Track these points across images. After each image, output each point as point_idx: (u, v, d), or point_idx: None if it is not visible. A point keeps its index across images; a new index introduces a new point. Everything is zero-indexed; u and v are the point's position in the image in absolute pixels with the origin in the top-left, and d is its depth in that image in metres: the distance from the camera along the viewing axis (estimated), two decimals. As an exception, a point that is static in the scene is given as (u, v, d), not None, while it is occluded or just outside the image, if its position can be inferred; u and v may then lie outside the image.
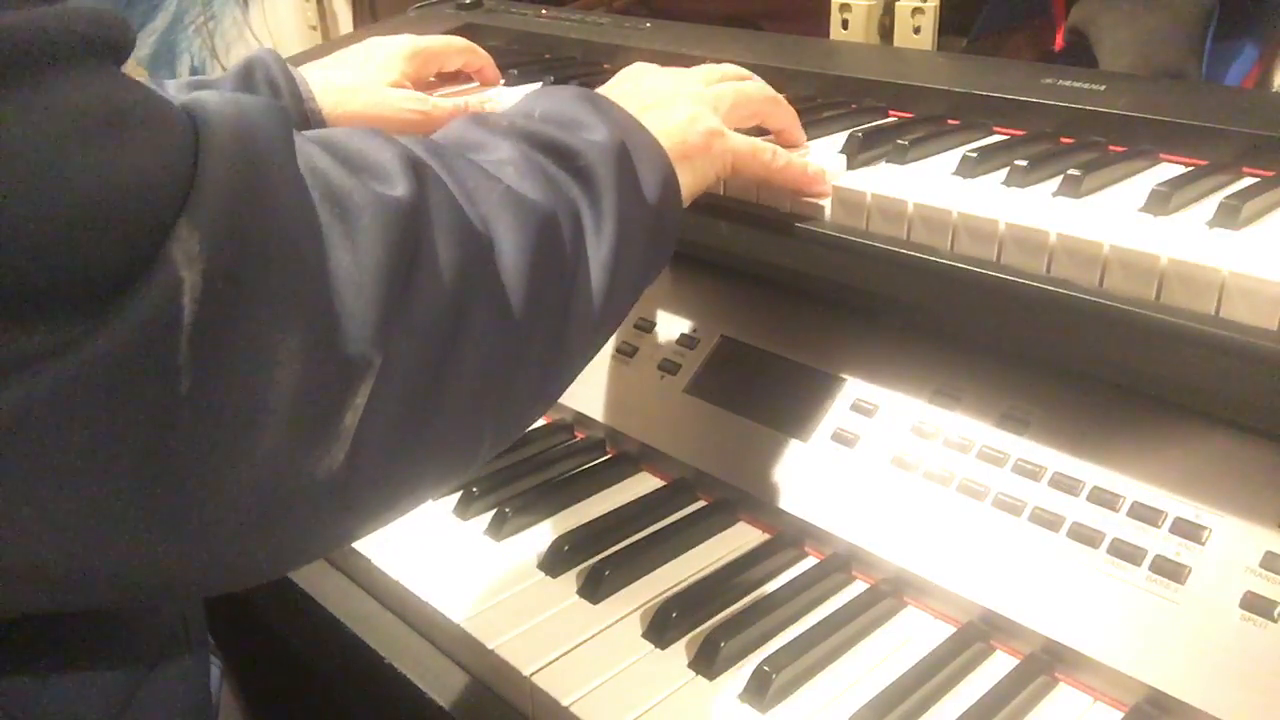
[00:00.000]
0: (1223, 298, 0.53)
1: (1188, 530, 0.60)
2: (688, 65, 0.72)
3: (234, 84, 0.80)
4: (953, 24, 1.04)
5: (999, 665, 0.63)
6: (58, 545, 0.35)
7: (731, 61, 0.77)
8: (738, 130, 0.68)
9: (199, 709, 0.58)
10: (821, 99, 0.89)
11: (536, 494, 0.79)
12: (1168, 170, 0.70)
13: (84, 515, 0.35)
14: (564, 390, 0.55)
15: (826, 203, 0.68)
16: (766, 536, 0.75)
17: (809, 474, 0.74)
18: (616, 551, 0.72)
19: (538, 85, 0.95)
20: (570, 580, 0.71)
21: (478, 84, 0.99)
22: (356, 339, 0.39)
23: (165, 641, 0.54)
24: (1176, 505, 0.61)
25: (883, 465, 0.71)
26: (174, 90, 0.78)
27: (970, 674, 0.63)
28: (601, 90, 0.63)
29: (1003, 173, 0.67)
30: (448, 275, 0.43)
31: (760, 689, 0.60)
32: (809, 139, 0.77)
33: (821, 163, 0.71)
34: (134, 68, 2.01)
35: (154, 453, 0.35)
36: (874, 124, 0.82)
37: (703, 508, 0.78)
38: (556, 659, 0.64)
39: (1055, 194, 0.65)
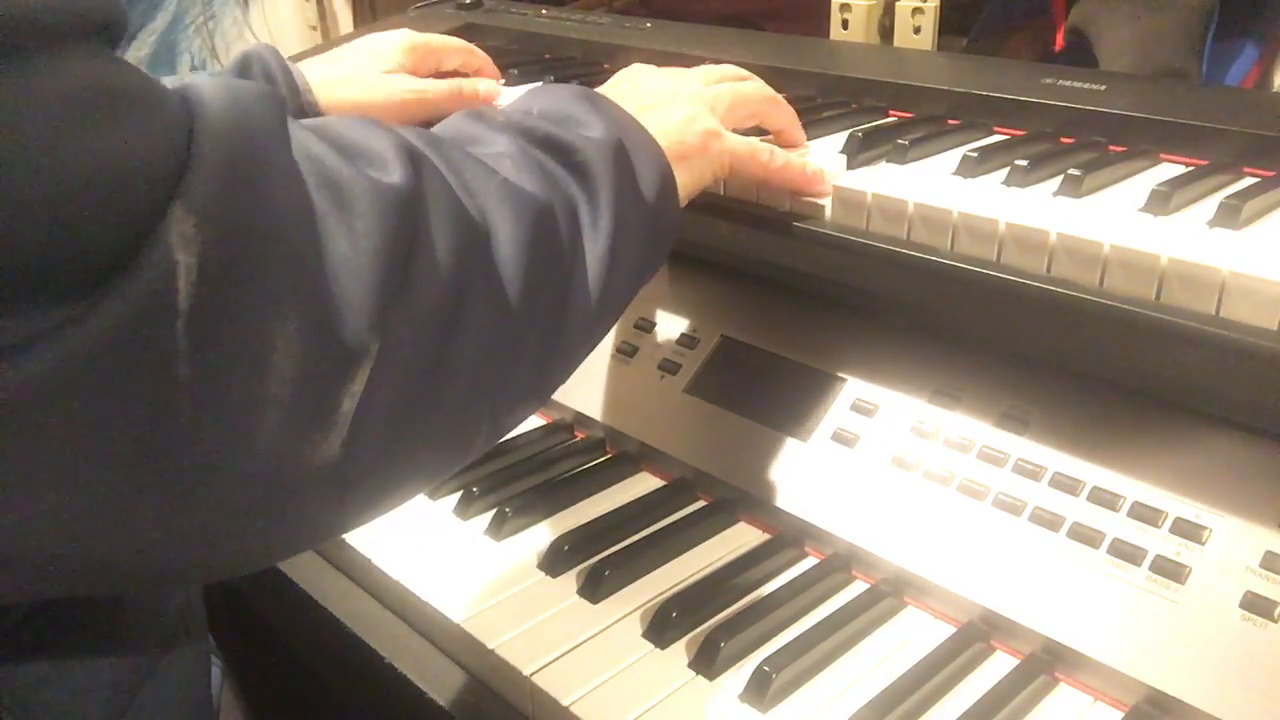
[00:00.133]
0: (1223, 298, 0.53)
1: (1188, 530, 0.60)
2: (688, 65, 0.72)
3: (231, 78, 0.80)
4: (953, 24, 1.04)
5: (999, 665, 0.63)
6: (55, 530, 0.35)
7: (731, 62, 0.78)
8: (737, 130, 0.68)
9: (200, 709, 0.58)
10: (821, 99, 0.89)
11: (536, 494, 0.79)
12: (1168, 170, 0.70)
13: (81, 500, 0.35)
14: (560, 384, 0.55)
15: (827, 202, 0.68)
16: (766, 536, 0.75)
17: (809, 474, 0.74)
18: (616, 551, 0.72)
19: (538, 85, 0.95)
20: (570, 580, 0.71)
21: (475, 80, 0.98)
22: (354, 325, 0.39)
23: (166, 641, 0.54)
24: (1176, 505, 0.61)
25: (883, 465, 0.71)
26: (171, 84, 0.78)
27: (970, 674, 0.63)
28: (601, 90, 0.63)
29: (1003, 172, 0.67)
30: (445, 263, 0.43)
31: (760, 689, 0.60)
32: (809, 139, 0.77)
33: (821, 163, 0.71)
34: (134, 68, 2.01)
35: (151, 438, 0.35)
36: (874, 124, 0.82)
37: (703, 508, 0.78)
38: (556, 659, 0.64)
39: (1055, 194, 0.65)
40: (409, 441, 0.44)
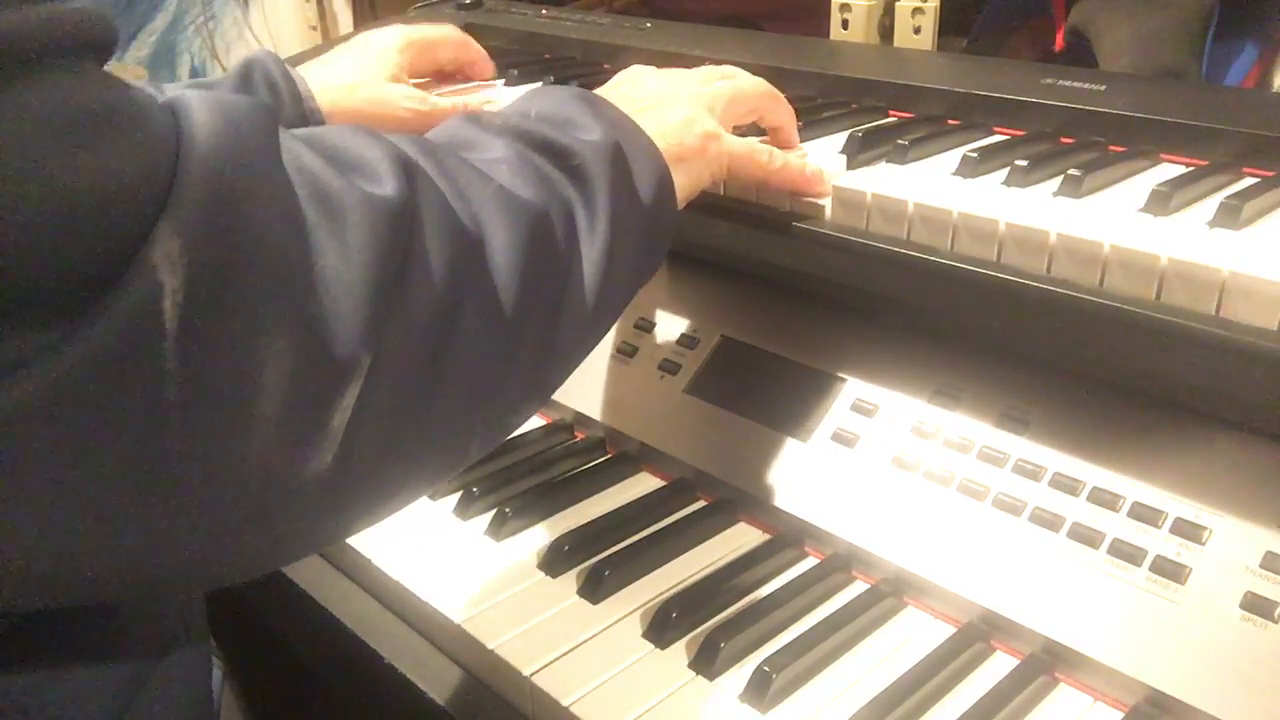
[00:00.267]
0: (1223, 298, 0.54)
1: (1188, 530, 0.60)
2: (688, 65, 0.72)
3: (233, 85, 0.80)
4: (953, 24, 1.04)
5: (999, 665, 0.63)
6: (48, 548, 0.35)
7: (731, 62, 0.77)
8: (736, 127, 0.68)
9: (200, 709, 0.58)
10: (821, 99, 0.89)
11: (536, 494, 0.79)
12: (1168, 170, 0.70)
13: (75, 518, 0.35)
14: (556, 389, 0.55)
15: (827, 202, 0.68)
16: (766, 536, 0.75)
17: (809, 474, 0.74)
18: (616, 551, 0.72)
19: (538, 85, 0.95)
20: (570, 580, 0.71)
21: (477, 85, 0.99)
22: (345, 340, 0.39)
23: (166, 642, 0.54)
24: (1176, 505, 0.61)
25: (883, 465, 0.71)
26: (171, 93, 0.78)
27: (970, 674, 0.63)
28: (599, 91, 0.63)
29: (1003, 173, 0.67)
30: (438, 275, 0.43)
31: (760, 689, 0.60)
32: (810, 139, 0.78)
33: (821, 163, 0.71)
34: (134, 68, 2.01)
35: (143, 456, 0.35)
36: (874, 124, 0.82)
37: (703, 508, 0.78)
38: (556, 659, 0.64)
39: (1055, 194, 0.65)
40: (403, 452, 0.44)
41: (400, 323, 0.41)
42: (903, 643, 0.65)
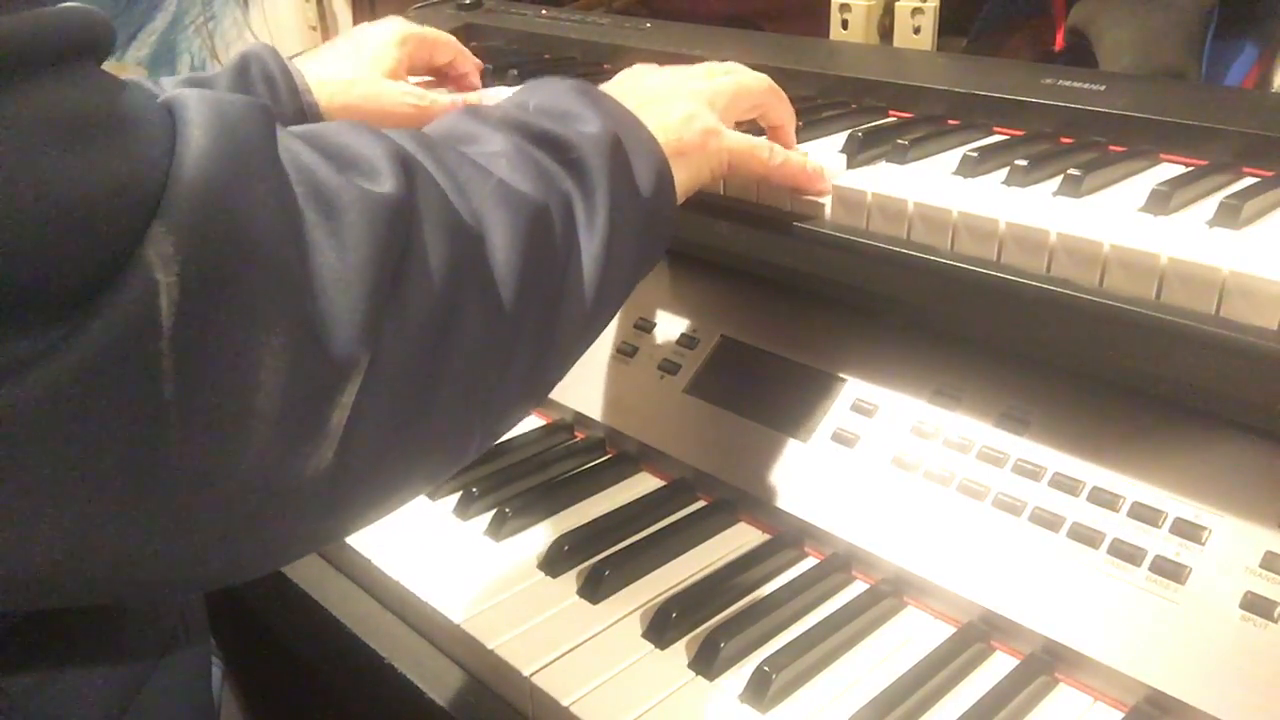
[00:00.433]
0: (1223, 297, 0.53)
1: (1188, 530, 0.60)
2: (688, 65, 0.72)
3: (230, 79, 0.80)
4: (953, 24, 1.04)
5: (999, 665, 0.63)
6: (48, 548, 0.35)
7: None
8: (738, 123, 0.68)
9: (200, 709, 0.58)
10: (821, 99, 0.89)
11: (536, 494, 0.79)
12: (1168, 170, 0.70)
13: (73, 518, 0.35)
14: (555, 384, 0.55)
15: (827, 202, 0.68)
16: (766, 536, 0.75)
17: (809, 474, 0.74)
18: (616, 551, 0.72)
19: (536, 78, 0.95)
20: (570, 580, 0.71)
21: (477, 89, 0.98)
22: (343, 338, 0.39)
23: (166, 642, 0.54)
24: (1176, 505, 0.61)
25: (883, 465, 0.71)
26: (170, 87, 0.78)
27: (970, 674, 0.63)
28: (603, 88, 0.63)
29: (1003, 172, 0.67)
30: (437, 272, 0.43)
31: (760, 689, 0.60)
32: (810, 139, 0.78)
33: (822, 162, 0.71)
34: (134, 68, 2.01)
35: (140, 456, 0.35)
36: (874, 124, 0.82)
37: (703, 508, 0.78)
38: (556, 659, 0.64)
39: (1055, 193, 0.65)
40: (402, 449, 0.44)
41: (399, 320, 0.41)
42: (903, 643, 0.65)
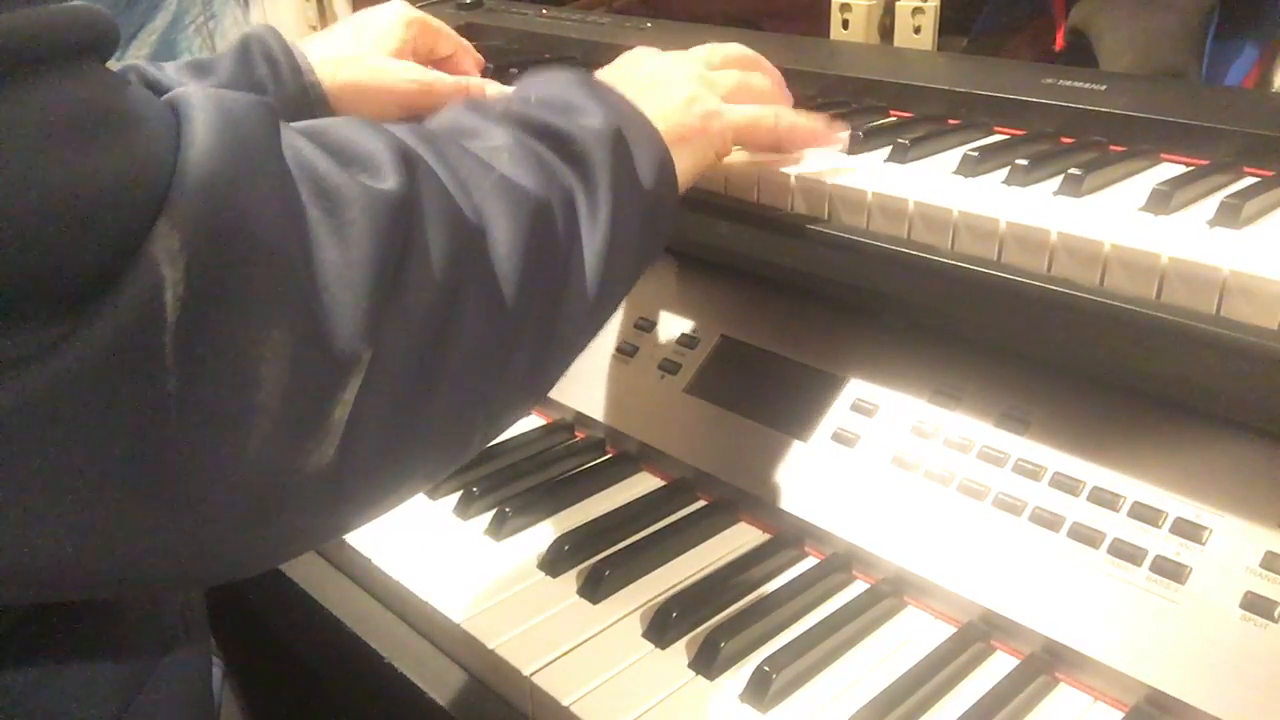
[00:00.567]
0: (1223, 297, 0.53)
1: (1188, 530, 0.60)
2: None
3: (232, 60, 0.79)
4: (953, 24, 1.04)
5: (999, 665, 0.63)
6: (50, 543, 0.35)
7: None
8: None
9: (201, 709, 0.58)
10: (822, 99, 0.89)
11: (536, 494, 0.79)
12: (1168, 170, 0.70)
13: (75, 513, 0.35)
14: (557, 379, 0.55)
15: (827, 201, 0.68)
16: (766, 536, 0.75)
17: (809, 474, 0.74)
18: (616, 551, 0.72)
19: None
20: (570, 580, 0.71)
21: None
22: (345, 334, 0.39)
23: (167, 641, 0.54)
24: (1176, 505, 0.61)
25: (883, 465, 0.71)
26: (172, 72, 0.78)
27: (970, 674, 0.63)
28: (602, 73, 0.63)
29: (1003, 172, 0.67)
30: (439, 268, 0.43)
31: (760, 689, 0.60)
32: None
33: (821, 162, 0.70)
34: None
35: (144, 451, 0.35)
36: (874, 124, 0.82)
37: (703, 508, 0.78)
38: (556, 659, 0.64)
39: (1056, 193, 0.64)
40: (404, 445, 0.44)
41: (401, 316, 0.41)
42: (903, 643, 0.65)
